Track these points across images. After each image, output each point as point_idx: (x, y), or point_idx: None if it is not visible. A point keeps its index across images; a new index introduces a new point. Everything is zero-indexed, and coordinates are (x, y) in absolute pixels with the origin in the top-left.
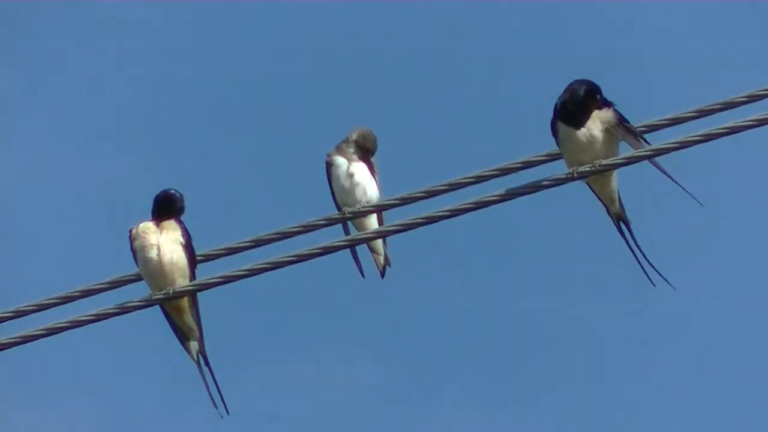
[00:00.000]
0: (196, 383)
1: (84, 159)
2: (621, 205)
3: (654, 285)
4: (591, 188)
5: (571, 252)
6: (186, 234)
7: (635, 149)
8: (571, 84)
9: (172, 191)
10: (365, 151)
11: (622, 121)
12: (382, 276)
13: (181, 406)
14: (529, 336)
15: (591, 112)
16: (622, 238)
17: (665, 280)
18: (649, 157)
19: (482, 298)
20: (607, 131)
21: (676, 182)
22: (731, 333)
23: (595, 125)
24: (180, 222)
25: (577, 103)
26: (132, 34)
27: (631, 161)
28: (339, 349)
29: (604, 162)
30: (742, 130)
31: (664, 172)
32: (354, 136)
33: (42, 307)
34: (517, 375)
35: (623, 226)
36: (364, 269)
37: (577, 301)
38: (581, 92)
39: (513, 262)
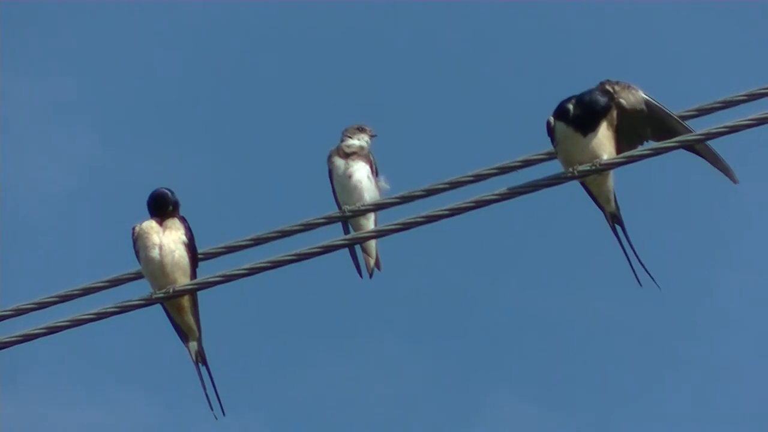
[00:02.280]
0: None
1: (84, 158)
2: (616, 205)
3: (641, 285)
4: (586, 188)
5: (572, 251)
6: (189, 232)
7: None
8: (589, 94)
9: (161, 189)
10: (361, 131)
11: None
12: (371, 277)
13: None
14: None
15: (601, 125)
16: (615, 238)
17: (652, 279)
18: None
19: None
20: (609, 138)
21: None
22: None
23: (604, 135)
24: (183, 220)
25: (595, 113)
26: (132, 35)
27: (630, 160)
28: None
29: (605, 161)
30: (742, 129)
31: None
32: (351, 129)
33: (42, 306)
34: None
35: (617, 227)
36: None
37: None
38: (600, 105)
39: (515, 260)
